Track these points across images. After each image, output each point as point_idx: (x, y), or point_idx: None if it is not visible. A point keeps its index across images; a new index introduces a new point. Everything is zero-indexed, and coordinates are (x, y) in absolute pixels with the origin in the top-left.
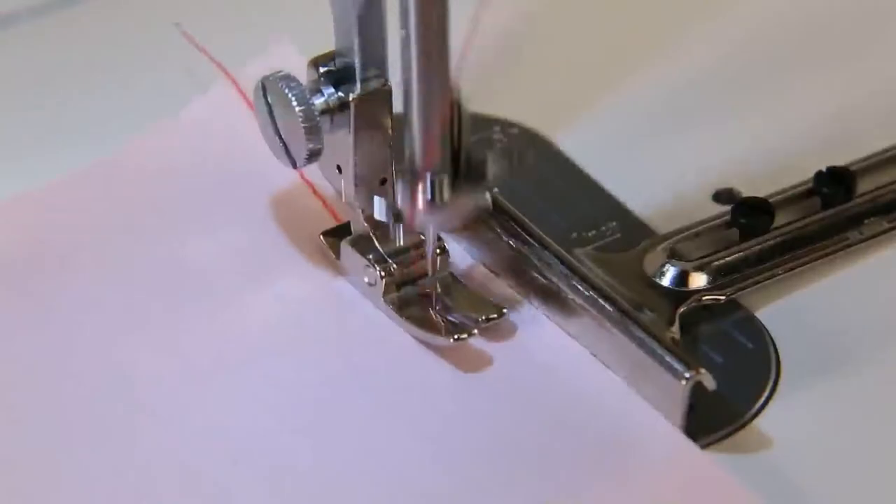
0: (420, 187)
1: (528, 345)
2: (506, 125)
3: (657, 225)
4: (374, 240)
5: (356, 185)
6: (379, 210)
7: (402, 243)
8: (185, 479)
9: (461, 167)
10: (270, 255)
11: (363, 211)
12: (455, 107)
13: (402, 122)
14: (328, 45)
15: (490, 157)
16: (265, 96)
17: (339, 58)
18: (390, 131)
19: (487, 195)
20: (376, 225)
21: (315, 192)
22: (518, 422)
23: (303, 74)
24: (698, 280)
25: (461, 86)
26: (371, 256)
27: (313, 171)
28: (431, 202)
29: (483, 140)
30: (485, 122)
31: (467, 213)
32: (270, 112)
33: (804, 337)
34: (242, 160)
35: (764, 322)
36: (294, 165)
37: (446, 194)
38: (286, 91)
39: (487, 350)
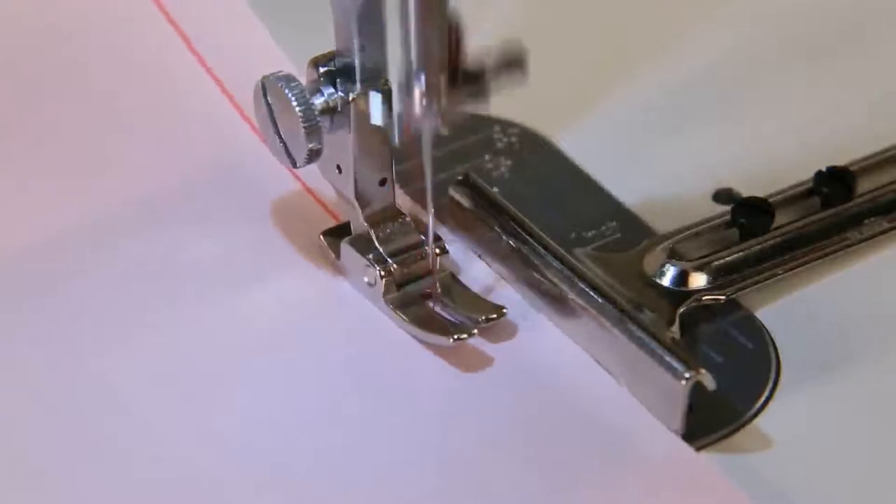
0: (417, 86)
1: (527, 345)
2: (506, 125)
3: (657, 225)
4: (374, 240)
5: (356, 185)
6: (375, 110)
7: (396, 143)
8: (183, 479)
9: (458, 79)
10: (270, 255)
11: (363, 210)
12: (453, 24)
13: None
14: (328, 44)
15: (487, 69)
16: (265, 96)
17: (338, 57)
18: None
19: (487, 98)
20: (376, 224)
21: (315, 198)
22: (517, 422)
23: None
24: (698, 280)
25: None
26: (371, 256)
27: (311, 174)
28: (429, 102)
29: (483, 140)
30: (485, 122)
31: (465, 111)
32: (270, 112)
33: (804, 337)
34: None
35: (764, 322)
36: (294, 165)
37: (443, 94)
38: (286, 91)
39: (487, 350)
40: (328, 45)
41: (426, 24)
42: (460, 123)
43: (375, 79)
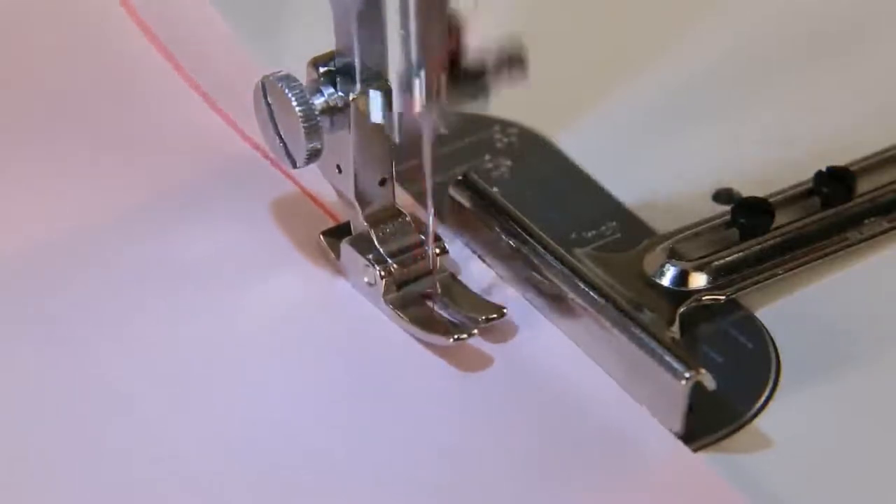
0: (417, 84)
1: (527, 345)
2: (506, 125)
3: (657, 225)
4: (374, 240)
5: (356, 185)
6: (375, 108)
7: (397, 140)
8: (183, 479)
9: (458, 77)
10: (269, 256)
11: (363, 210)
12: (453, 21)
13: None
14: (328, 44)
15: (488, 68)
16: (265, 96)
17: (338, 57)
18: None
19: (487, 97)
20: (376, 224)
21: (314, 199)
22: (516, 422)
23: None
24: (698, 280)
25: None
26: (371, 256)
27: (310, 175)
28: (429, 100)
29: (483, 140)
30: (485, 122)
31: (464, 111)
32: (270, 112)
33: (804, 337)
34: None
35: (764, 322)
36: (294, 165)
37: (444, 92)
38: (286, 91)
39: (487, 350)
40: (309, 47)
41: (426, 20)
42: (459, 123)
43: (375, 78)
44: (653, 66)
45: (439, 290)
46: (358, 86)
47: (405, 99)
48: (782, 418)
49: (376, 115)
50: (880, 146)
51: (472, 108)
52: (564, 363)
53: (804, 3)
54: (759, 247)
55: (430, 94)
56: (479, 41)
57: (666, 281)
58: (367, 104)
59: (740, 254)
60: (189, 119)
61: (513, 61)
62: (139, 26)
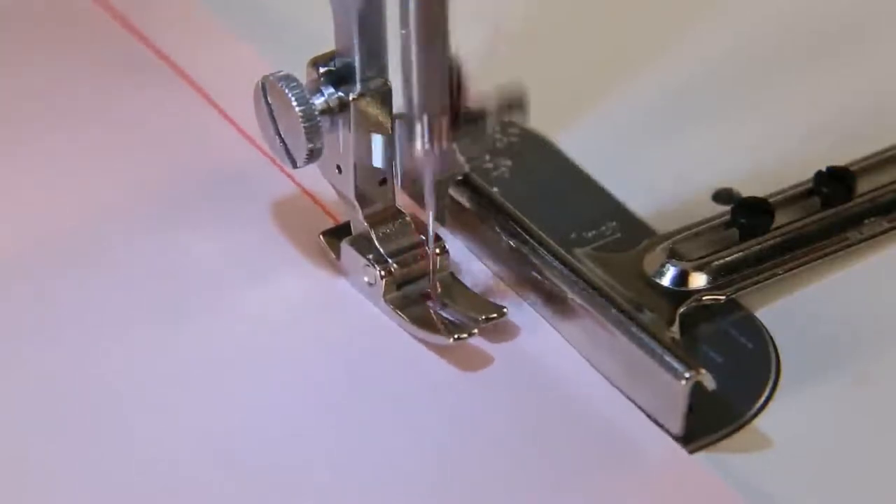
0: (418, 129)
1: (527, 345)
2: (506, 125)
3: (657, 225)
4: (374, 240)
5: (356, 185)
6: (377, 154)
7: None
8: (182, 480)
9: (460, 120)
10: (270, 255)
11: (363, 210)
12: (454, 67)
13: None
14: (328, 45)
15: (488, 112)
16: (265, 96)
17: (338, 57)
18: (390, 131)
19: (488, 141)
20: (376, 224)
21: (314, 199)
22: (515, 422)
23: None
24: (698, 280)
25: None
26: (371, 256)
27: (310, 175)
28: (430, 143)
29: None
30: None
31: (467, 155)
32: (271, 112)
33: (804, 337)
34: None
35: (764, 322)
36: (294, 165)
37: (445, 135)
38: (286, 91)
39: (487, 350)
40: (310, 47)
41: (428, 62)
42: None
43: (375, 79)
44: (653, 66)
45: (439, 290)
46: (358, 86)
47: (406, 146)
48: (782, 418)
49: (377, 159)
50: (880, 146)
51: (473, 151)
52: (564, 363)
53: (804, 3)
54: (759, 247)
55: (432, 137)
56: (477, 43)
57: (666, 281)
58: (368, 110)
59: (740, 254)
60: (189, 119)
61: (513, 105)
62: (129, 30)
